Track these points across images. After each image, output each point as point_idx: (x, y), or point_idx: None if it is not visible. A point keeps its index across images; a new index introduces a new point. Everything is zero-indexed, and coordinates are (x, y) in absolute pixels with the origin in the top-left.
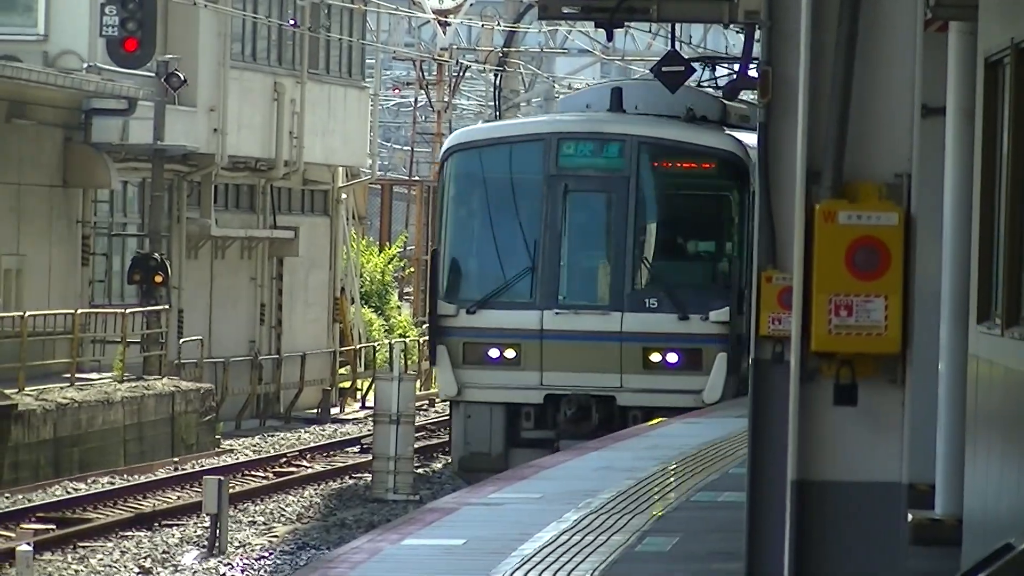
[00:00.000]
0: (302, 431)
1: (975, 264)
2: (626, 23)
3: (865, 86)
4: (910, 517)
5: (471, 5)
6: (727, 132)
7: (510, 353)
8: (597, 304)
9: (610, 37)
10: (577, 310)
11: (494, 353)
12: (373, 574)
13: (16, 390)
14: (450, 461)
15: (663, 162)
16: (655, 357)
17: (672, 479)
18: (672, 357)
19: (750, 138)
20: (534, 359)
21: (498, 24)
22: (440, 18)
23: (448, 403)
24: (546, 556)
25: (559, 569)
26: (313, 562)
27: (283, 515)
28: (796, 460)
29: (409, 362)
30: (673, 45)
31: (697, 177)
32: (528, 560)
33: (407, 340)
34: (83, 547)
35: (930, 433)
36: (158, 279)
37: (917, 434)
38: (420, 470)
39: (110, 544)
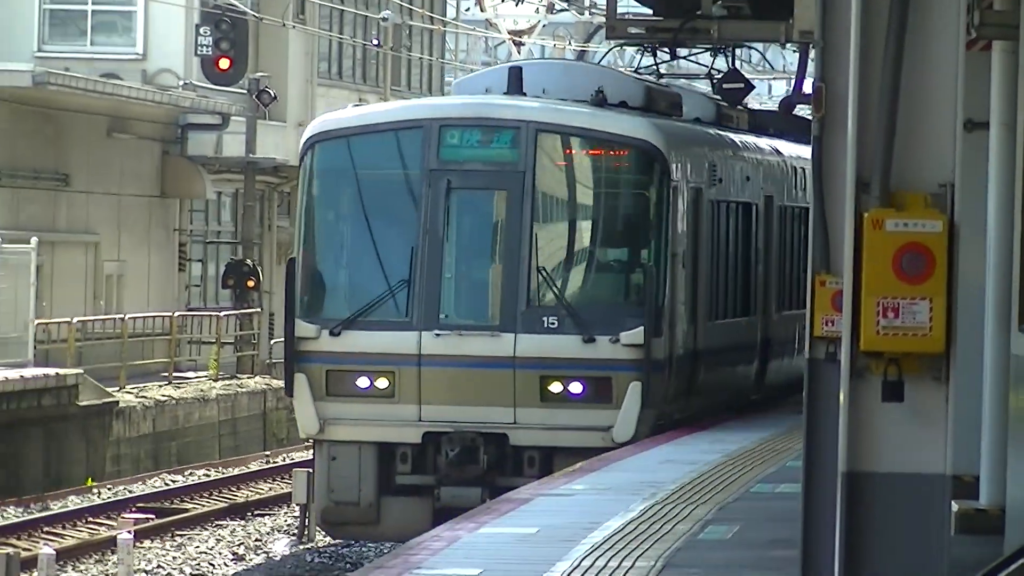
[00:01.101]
0: None
1: (1017, 270)
2: (689, 43)
3: (911, 101)
4: (955, 507)
5: (544, 26)
6: (644, 118)
7: (382, 383)
8: (485, 324)
9: (673, 56)
10: (462, 331)
11: (363, 383)
12: (451, 560)
13: (117, 388)
14: (311, 513)
15: (565, 153)
16: (555, 387)
17: (732, 471)
18: (575, 387)
19: (677, 128)
20: (411, 390)
21: (569, 43)
22: (515, 38)
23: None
24: (615, 543)
25: (627, 556)
26: (396, 549)
27: None
28: (847, 453)
29: None
30: (733, 63)
31: (607, 171)
32: (597, 547)
33: None
34: (180, 535)
35: (974, 427)
36: (250, 283)
37: (961, 428)
38: None
39: (205, 533)
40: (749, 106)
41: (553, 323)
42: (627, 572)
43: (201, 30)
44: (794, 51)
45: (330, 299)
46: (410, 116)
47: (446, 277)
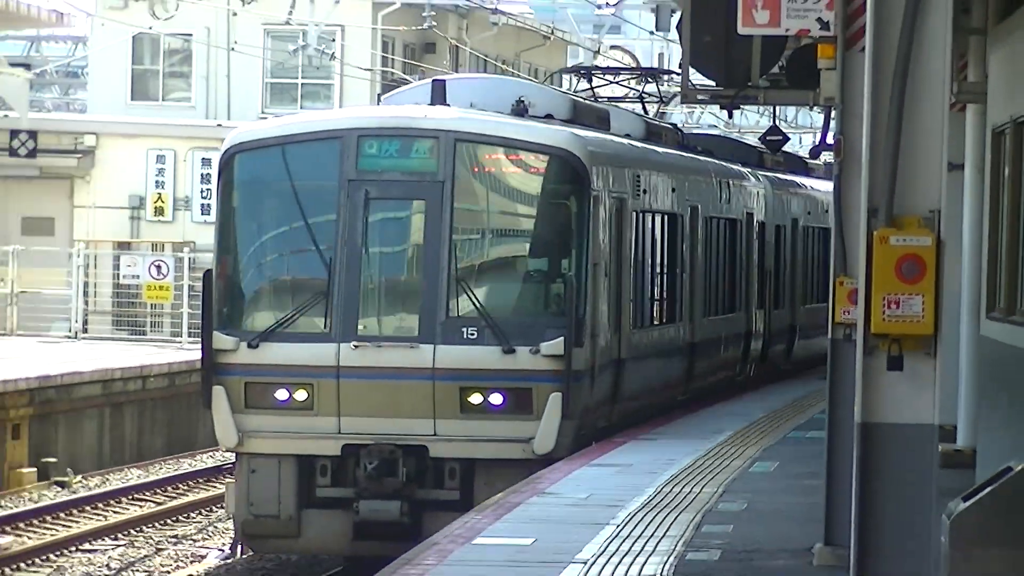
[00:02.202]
0: None
1: (985, 274)
2: (741, 106)
3: (908, 149)
4: (940, 448)
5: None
6: (564, 128)
7: (301, 395)
8: (404, 335)
9: (730, 115)
10: (379, 343)
11: (282, 395)
12: (517, 521)
13: None
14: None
15: (484, 163)
16: (475, 398)
17: (773, 423)
18: (496, 398)
19: (600, 139)
20: (329, 402)
21: (657, 108)
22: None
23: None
24: (688, 475)
25: (697, 484)
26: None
27: None
28: (861, 408)
29: None
30: (774, 121)
31: (526, 181)
32: (674, 478)
33: None
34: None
35: (954, 389)
36: None
37: (945, 390)
38: None
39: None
40: (679, 126)
41: (472, 334)
42: (697, 495)
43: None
44: (819, 112)
45: (248, 311)
46: (328, 127)
47: (364, 288)
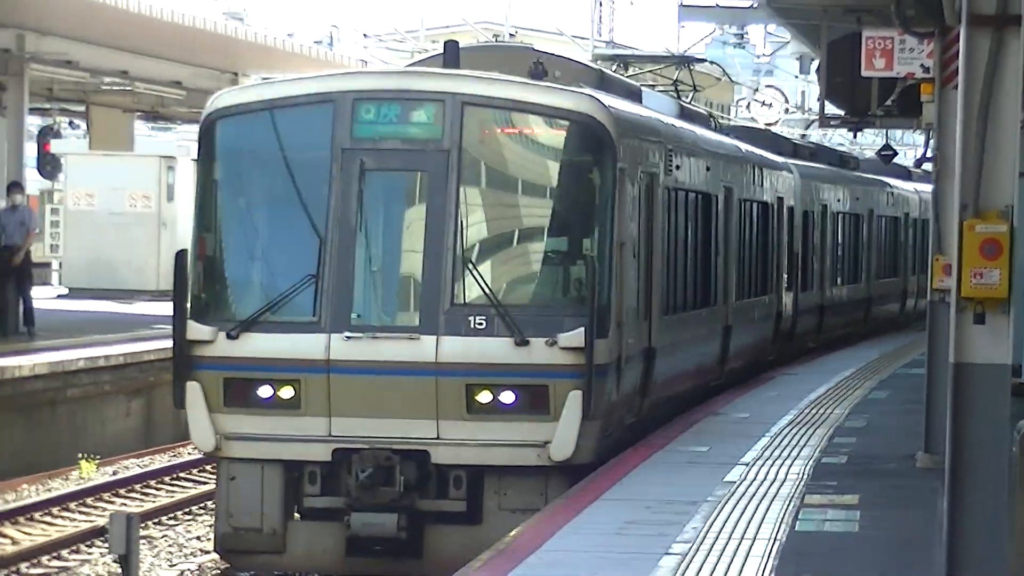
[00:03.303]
0: None
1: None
2: (863, 128)
3: (989, 161)
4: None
5: (781, 121)
6: (585, 91)
7: (286, 392)
8: (404, 325)
9: (855, 136)
10: (376, 333)
11: (265, 392)
12: (696, 434)
13: None
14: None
15: (496, 129)
16: (484, 397)
17: (885, 362)
18: (507, 397)
19: (629, 108)
20: (319, 401)
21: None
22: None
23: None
24: (822, 400)
25: (829, 407)
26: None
27: None
28: (954, 352)
29: None
30: (886, 140)
31: (544, 150)
32: (813, 402)
33: None
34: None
35: (1021, 338)
36: None
37: (1014, 338)
38: None
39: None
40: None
41: (481, 323)
42: (830, 415)
43: None
44: (920, 133)
45: (228, 297)
46: (321, 89)
47: (358, 271)
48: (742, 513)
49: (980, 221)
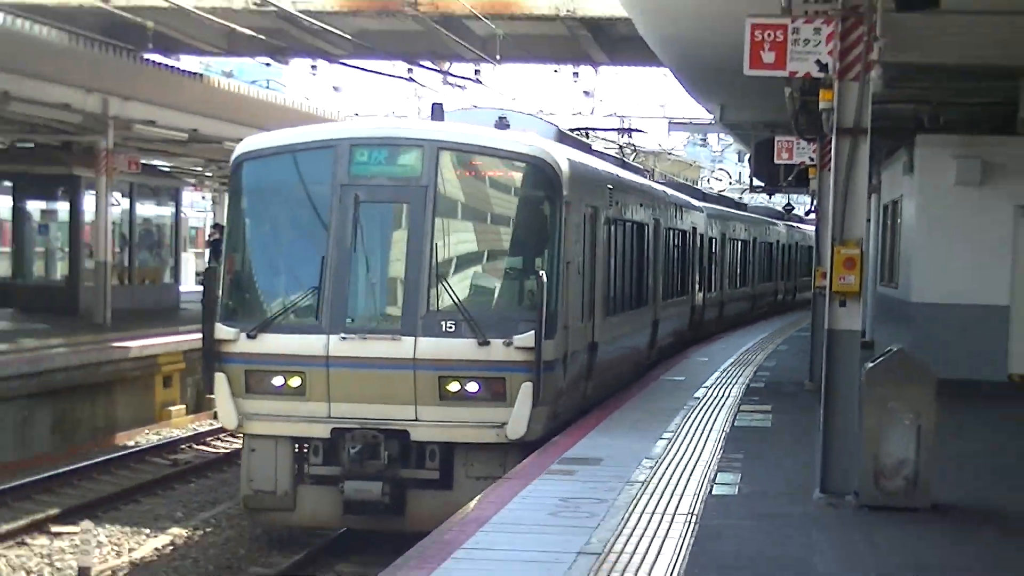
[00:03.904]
0: None
1: (879, 266)
2: (775, 193)
3: (849, 212)
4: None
5: (728, 188)
6: (538, 140)
7: (295, 382)
8: (388, 328)
9: (770, 197)
10: (365, 335)
11: (277, 381)
12: (678, 366)
13: None
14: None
15: (465, 169)
16: (453, 387)
17: (773, 336)
18: (472, 387)
19: (576, 154)
20: (320, 389)
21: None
22: None
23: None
24: (748, 353)
25: (752, 356)
26: (545, 447)
27: None
28: (828, 322)
29: None
30: (788, 200)
31: (503, 187)
32: (742, 352)
33: None
34: None
35: (867, 314)
36: None
37: (862, 315)
38: None
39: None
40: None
41: (451, 327)
42: (752, 360)
43: None
44: (808, 195)
45: (249, 304)
46: (325, 136)
47: (352, 284)
48: (702, 417)
49: (843, 247)
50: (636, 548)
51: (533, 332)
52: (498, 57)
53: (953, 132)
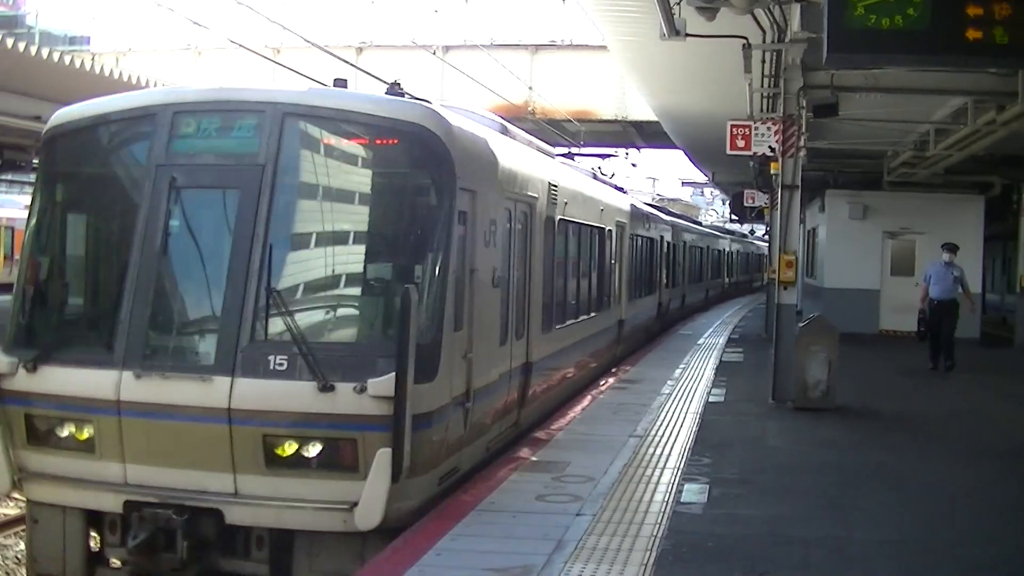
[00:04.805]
0: None
1: (804, 269)
2: (742, 222)
3: (789, 232)
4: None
5: (715, 220)
6: (423, 102)
7: (83, 432)
8: (196, 364)
9: (741, 225)
10: (167, 372)
11: (64, 431)
12: (661, 350)
13: None
14: None
15: (319, 143)
16: (285, 449)
17: (735, 314)
18: (311, 449)
19: (500, 138)
20: (112, 444)
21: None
22: None
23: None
24: (725, 323)
25: (728, 325)
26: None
27: None
28: (777, 299)
29: None
30: (752, 227)
31: (369, 165)
32: (720, 323)
33: None
34: None
35: (800, 295)
36: None
37: (797, 295)
38: None
39: None
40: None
41: (282, 364)
42: (731, 325)
43: None
44: (765, 224)
45: (37, 326)
46: (146, 102)
47: (157, 301)
48: (702, 359)
49: (785, 254)
50: (664, 433)
51: (396, 372)
52: (581, 143)
53: (846, 188)
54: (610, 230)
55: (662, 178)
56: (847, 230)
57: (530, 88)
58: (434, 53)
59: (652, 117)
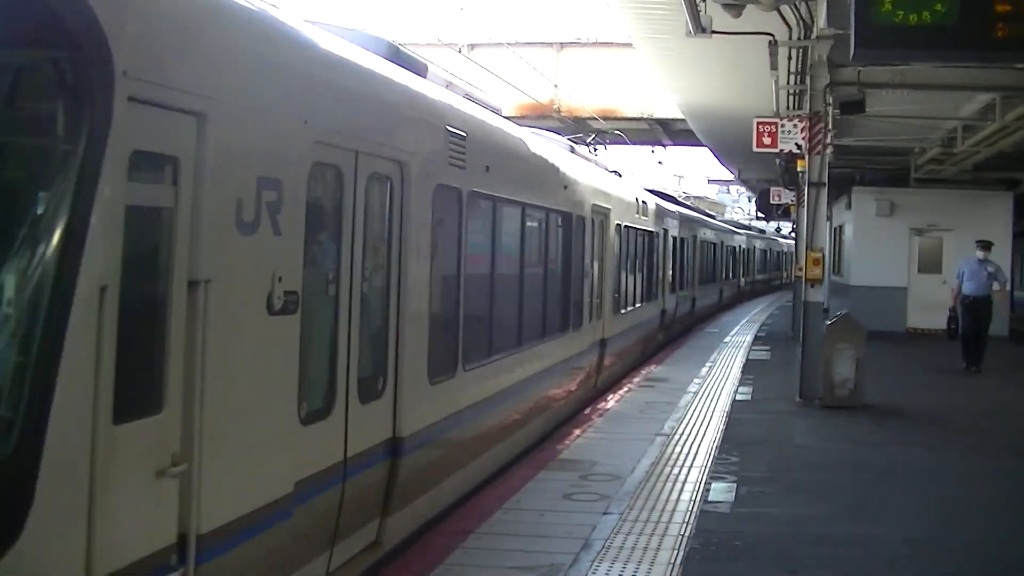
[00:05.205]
0: None
1: (832, 262)
2: (768, 220)
3: (816, 230)
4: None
5: (742, 216)
6: None
7: None
8: None
9: (767, 222)
10: None
11: None
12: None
13: None
14: None
15: None
16: None
17: (762, 311)
18: None
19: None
20: None
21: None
22: None
23: None
24: (756, 315)
25: (758, 316)
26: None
27: None
28: (804, 296)
29: None
30: (779, 225)
31: None
32: (753, 313)
33: None
34: None
35: (826, 292)
36: None
37: (824, 293)
38: None
39: None
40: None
41: None
42: (759, 323)
43: None
44: (791, 222)
45: None
46: None
47: None
48: (728, 357)
49: (813, 252)
50: (691, 431)
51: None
52: (607, 141)
53: (873, 185)
54: (588, 219)
55: (688, 175)
56: (874, 227)
57: (555, 86)
58: (459, 51)
59: (678, 115)
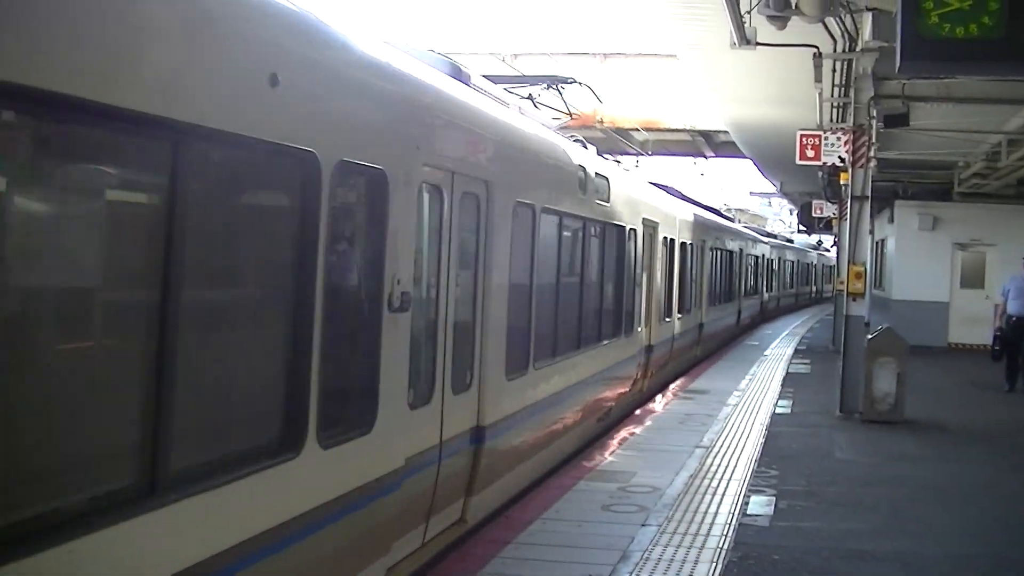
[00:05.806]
0: None
1: (874, 277)
2: (810, 232)
3: (859, 246)
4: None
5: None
6: None
7: None
8: None
9: (809, 235)
10: None
11: None
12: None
13: None
14: None
15: None
16: None
17: (803, 323)
18: None
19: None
20: None
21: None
22: None
23: None
24: (798, 327)
25: (802, 327)
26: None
27: None
28: (846, 310)
29: None
30: (820, 239)
31: None
32: (794, 326)
33: None
34: None
35: (869, 306)
36: None
37: (865, 306)
38: None
39: None
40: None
41: None
42: (801, 335)
43: None
44: (832, 235)
45: None
46: None
47: None
48: (768, 370)
49: (855, 266)
50: (730, 444)
51: None
52: (649, 152)
53: (916, 199)
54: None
55: (730, 188)
56: (916, 241)
57: (600, 100)
58: (503, 60)
59: (720, 126)
